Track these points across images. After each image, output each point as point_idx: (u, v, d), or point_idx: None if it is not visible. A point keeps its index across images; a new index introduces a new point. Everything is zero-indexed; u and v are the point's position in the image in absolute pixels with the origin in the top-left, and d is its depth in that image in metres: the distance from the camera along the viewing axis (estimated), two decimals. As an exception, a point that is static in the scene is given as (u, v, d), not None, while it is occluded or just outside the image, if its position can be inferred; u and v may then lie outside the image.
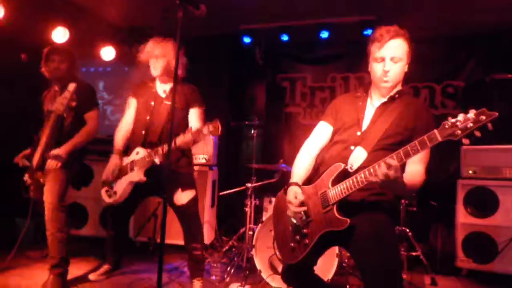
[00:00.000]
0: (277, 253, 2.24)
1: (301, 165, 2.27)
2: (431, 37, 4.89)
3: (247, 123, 4.14)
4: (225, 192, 4.39)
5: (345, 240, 2.02)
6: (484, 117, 1.57)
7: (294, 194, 2.09)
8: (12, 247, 3.48)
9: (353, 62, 5.52)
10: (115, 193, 3.10)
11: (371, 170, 1.84)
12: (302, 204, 2.06)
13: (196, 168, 4.59)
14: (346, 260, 3.44)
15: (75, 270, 3.50)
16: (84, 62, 3.82)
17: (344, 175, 1.99)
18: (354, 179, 1.91)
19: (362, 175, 1.87)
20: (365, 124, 2.13)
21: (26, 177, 3.28)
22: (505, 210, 3.80)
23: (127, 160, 3.11)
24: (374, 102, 2.18)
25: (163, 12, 4.59)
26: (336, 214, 1.95)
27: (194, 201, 3.18)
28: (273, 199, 3.85)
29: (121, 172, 3.09)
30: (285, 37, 5.22)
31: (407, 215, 3.87)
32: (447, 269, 3.99)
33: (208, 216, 4.56)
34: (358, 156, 2.03)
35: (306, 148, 2.34)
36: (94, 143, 3.51)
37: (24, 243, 3.62)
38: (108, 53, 5.38)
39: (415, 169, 1.98)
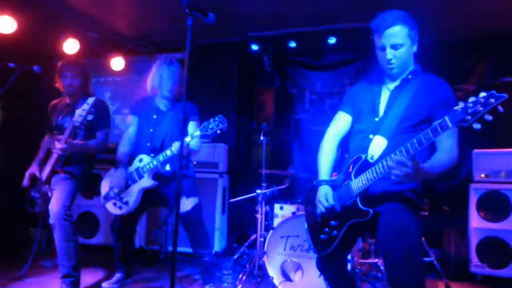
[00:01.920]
0: (311, 243, 2.30)
1: (326, 159, 2.30)
2: (440, 41, 4.87)
3: (256, 126, 4.14)
4: (235, 199, 4.39)
5: (371, 229, 2.05)
6: (493, 100, 1.54)
7: (324, 195, 2.14)
8: (26, 257, 3.52)
9: (362, 67, 5.50)
10: (126, 203, 3.11)
11: (385, 163, 1.86)
12: (332, 206, 2.10)
13: (206, 175, 4.62)
14: (358, 267, 3.42)
15: (88, 278, 3.52)
16: (94, 72, 3.88)
17: (366, 165, 2.01)
18: (374, 170, 1.93)
19: (381, 166, 1.90)
20: (382, 109, 2.14)
21: (34, 191, 3.32)
22: (519, 214, 3.75)
23: (130, 168, 3.15)
24: (388, 85, 2.18)
25: (172, 21, 4.65)
26: (360, 205, 2.00)
27: (198, 208, 3.20)
28: (284, 206, 3.86)
29: (127, 181, 3.12)
30: (292, 44, 5.23)
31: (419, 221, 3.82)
32: (461, 275, 3.93)
33: (219, 223, 4.57)
34: (378, 145, 2.05)
35: (327, 140, 2.36)
36: (105, 152, 3.54)
37: (37, 253, 3.67)
38: (117, 63, 5.45)
39: (444, 145, 1.96)
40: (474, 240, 3.91)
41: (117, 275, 3.46)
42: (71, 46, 4.94)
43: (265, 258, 3.44)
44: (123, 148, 3.28)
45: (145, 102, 3.37)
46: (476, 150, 4.06)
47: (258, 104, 6.00)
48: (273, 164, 5.12)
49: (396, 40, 2.03)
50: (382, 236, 2.00)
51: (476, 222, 3.92)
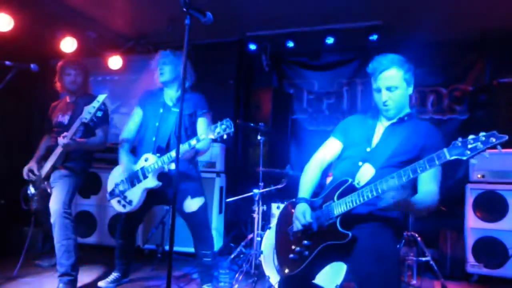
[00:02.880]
0: (275, 263, 2.23)
1: (309, 179, 2.29)
2: (437, 41, 4.89)
3: (253, 126, 4.12)
4: (232, 199, 4.39)
5: (345, 254, 2.02)
6: (494, 139, 1.58)
7: (303, 212, 2.09)
8: (20, 256, 3.51)
9: (359, 68, 5.51)
10: (130, 202, 3.10)
11: (376, 187, 1.86)
12: (309, 224, 2.06)
13: (203, 174, 4.61)
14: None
15: (84, 277, 3.51)
16: (92, 71, 3.88)
17: (351, 189, 2.00)
18: (361, 194, 1.92)
19: (368, 190, 1.89)
20: (375, 141, 2.16)
21: (30, 188, 3.31)
22: (515, 214, 3.76)
23: (136, 167, 3.13)
24: (383, 122, 2.22)
25: (170, 20, 4.64)
26: (339, 227, 1.97)
27: (203, 208, 3.20)
28: (281, 205, 3.85)
29: (132, 180, 3.11)
30: (290, 44, 5.23)
31: (416, 220, 3.84)
32: (457, 274, 3.95)
33: (215, 223, 4.57)
34: (366, 172, 2.06)
35: (314, 162, 2.35)
36: (103, 152, 3.55)
37: (33, 252, 3.65)
38: (115, 62, 5.43)
39: (426, 189, 1.98)
40: (470, 240, 3.92)
41: (114, 274, 3.45)
42: (68, 44, 4.92)
43: (261, 258, 3.44)
44: (127, 134, 3.28)
45: (152, 95, 3.33)
46: (472, 151, 4.07)
47: (256, 104, 5.99)
48: (270, 163, 5.12)
49: (392, 83, 2.08)
50: (358, 261, 1.98)
51: (472, 222, 3.94)
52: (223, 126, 2.69)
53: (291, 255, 2.11)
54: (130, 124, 3.34)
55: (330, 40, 5.00)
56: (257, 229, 3.85)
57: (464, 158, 1.62)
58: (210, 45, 5.49)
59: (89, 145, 3.30)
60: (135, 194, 3.09)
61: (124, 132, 3.32)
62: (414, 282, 3.75)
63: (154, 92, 3.34)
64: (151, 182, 3.04)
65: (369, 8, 4.38)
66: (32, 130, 5.20)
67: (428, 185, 1.98)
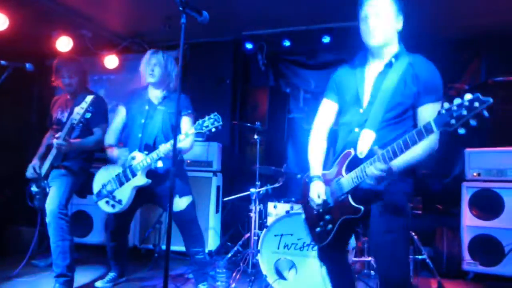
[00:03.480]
0: (309, 234, 2.33)
1: (316, 153, 2.29)
2: (433, 40, 4.89)
3: (250, 125, 4.13)
4: (229, 198, 4.39)
5: (364, 224, 2.14)
6: (477, 104, 1.48)
7: (317, 192, 2.14)
8: (17, 255, 3.49)
9: (355, 67, 5.53)
10: (119, 201, 3.09)
11: (364, 171, 1.89)
12: (324, 202, 2.12)
13: (200, 174, 4.61)
14: (352, 265, 3.43)
15: (81, 278, 3.51)
16: (88, 70, 3.88)
17: (356, 162, 2.00)
18: (362, 169, 1.93)
19: (365, 168, 1.90)
20: (366, 99, 2.10)
21: (33, 186, 3.30)
22: (510, 212, 3.78)
23: (123, 166, 3.13)
24: (372, 69, 2.13)
25: (166, 19, 4.63)
26: (351, 202, 2.01)
27: (192, 206, 3.19)
28: (278, 204, 3.87)
29: (121, 179, 3.10)
30: (287, 43, 5.23)
31: (412, 219, 3.84)
32: (453, 272, 3.96)
33: (212, 222, 4.56)
34: (366, 138, 2.01)
35: (316, 133, 2.35)
36: (101, 151, 3.53)
37: (30, 252, 3.63)
38: (111, 61, 5.42)
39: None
40: (466, 238, 3.94)
41: (111, 274, 3.45)
42: (64, 43, 4.90)
43: (258, 257, 3.45)
44: (109, 141, 3.26)
45: (136, 93, 3.33)
46: (468, 149, 4.09)
47: (252, 103, 5.99)
48: (267, 162, 5.13)
49: (380, 9, 2.01)
50: (372, 230, 2.04)
51: (468, 220, 3.95)
52: (211, 120, 2.76)
53: (317, 229, 2.19)
54: (114, 123, 3.33)
55: (326, 39, 5.00)
56: (254, 228, 3.85)
57: (451, 129, 1.54)
58: (206, 44, 5.48)
59: (84, 145, 3.28)
60: (125, 193, 3.07)
61: (108, 132, 3.31)
62: (410, 280, 3.76)
63: (138, 90, 3.34)
64: (141, 180, 3.03)
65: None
66: (27, 129, 5.18)
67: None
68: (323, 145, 2.32)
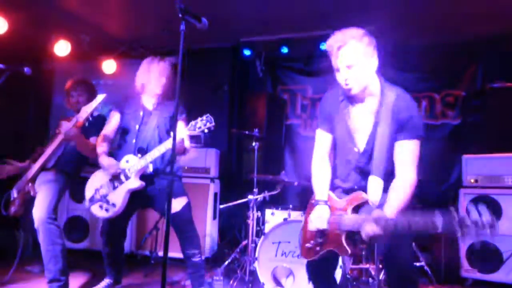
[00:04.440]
0: (300, 246, 2.37)
1: (321, 177, 2.27)
2: (430, 46, 4.92)
3: (247, 133, 4.12)
4: (226, 205, 4.38)
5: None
6: (487, 227, 1.64)
7: (319, 217, 2.12)
8: (11, 261, 3.46)
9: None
10: (113, 205, 3.05)
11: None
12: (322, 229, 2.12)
13: (198, 180, 4.60)
14: (349, 272, 3.41)
15: (76, 284, 3.48)
16: (86, 75, 3.87)
17: (366, 206, 2.05)
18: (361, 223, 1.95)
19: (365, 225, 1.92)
20: (360, 139, 2.15)
21: (14, 192, 3.27)
22: (508, 218, 3.77)
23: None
24: (356, 107, 2.17)
25: (165, 25, 4.63)
26: (343, 241, 2.03)
27: (187, 207, 3.17)
28: (275, 211, 3.86)
29: (114, 183, 3.08)
30: (285, 50, 5.25)
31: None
32: (451, 279, 3.95)
33: (210, 229, 4.54)
34: (374, 186, 2.06)
35: (317, 162, 2.33)
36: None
37: (23, 257, 3.60)
38: (109, 66, 5.41)
39: (399, 172, 2.04)
40: (464, 245, 3.93)
41: (106, 281, 3.41)
42: (62, 48, 4.91)
43: (256, 264, 3.43)
44: (101, 149, 3.20)
45: (131, 100, 3.31)
46: (465, 155, 4.10)
47: (250, 109, 6.00)
48: (264, 169, 5.13)
49: (350, 60, 2.01)
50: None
51: (466, 227, 3.94)
52: (204, 121, 2.77)
53: (307, 244, 2.19)
54: (107, 129, 3.29)
55: (324, 46, 5.01)
56: (252, 236, 3.83)
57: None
58: (205, 50, 5.49)
59: (84, 142, 3.25)
60: (118, 196, 3.04)
61: (101, 139, 3.26)
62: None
63: (131, 96, 3.32)
64: (134, 182, 3.01)
65: (360, 13, 4.41)
66: (25, 133, 5.15)
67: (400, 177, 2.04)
68: (327, 169, 2.30)
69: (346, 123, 2.18)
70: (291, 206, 3.91)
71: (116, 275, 3.44)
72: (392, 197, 1.97)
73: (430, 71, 5.09)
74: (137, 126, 3.17)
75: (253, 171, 4.04)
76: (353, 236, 2.03)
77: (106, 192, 3.07)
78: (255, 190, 3.94)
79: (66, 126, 3.07)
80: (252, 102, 6.02)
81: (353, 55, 2.00)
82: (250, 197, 3.91)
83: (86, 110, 2.99)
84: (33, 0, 4.22)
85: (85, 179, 4.09)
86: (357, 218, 2.00)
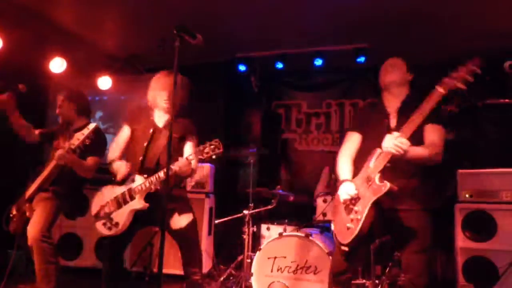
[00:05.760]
0: (339, 240, 2.49)
1: (346, 168, 2.62)
2: (423, 63, 4.95)
3: (244, 149, 4.14)
4: (222, 220, 4.35)
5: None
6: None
7: (346, 190, 2.45)
8: (2, 279, 3.41)
9: (347, 89, 5.60)
10: (116, 224, 3.03)
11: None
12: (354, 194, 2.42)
13: (193, 195, 4.57)
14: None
15: (69, 302, 3.42)
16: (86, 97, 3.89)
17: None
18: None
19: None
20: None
21: (13, 209, 3.25)
22: (504, 233, 3.77)
23: (123, 188, 3.08)
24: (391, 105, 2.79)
25: (160, 41, 4.66)
26: (377, 181, 2.27)
27: (193, 224, 3.14)
28: (271, 226, 3.84)
29: (119, 201, 3.06)
30: (280, 65, 5.29)
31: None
32: (448, 294, 3.94)
33: (205, 244, 4.50)
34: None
35: (344, 156, 2.68)
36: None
37: (16, 276, 3.55)
38: (105, 82, 5.42)
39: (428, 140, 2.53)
40: (460, 260, 3.91)
41: (101, 298, 3.37)
42: (57, 65, 4.91)
43: (252, 280, 3.40)
44: (112, 156, 3.17)
45: (142, 113, 3.24)
46: (461, 170, 4.11)
47: (245, 124, 6.02)
48: (260, 184, 5.13)
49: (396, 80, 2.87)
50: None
51: (461, 241, 3.94)
52: (212, 146, 2.71)
53: (348, 224, 2.37)
54: (118, 140, 3.27)
55: (318, 62, 5.07)
56: (247, 251, 3.81)
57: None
58: (200, 65, 5.51)
59: (81, 165, 3.24)
60: (122, 216, 3.02)
61: (111, 151, 3.26)
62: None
63: (145, 110, 3.26)
64: (139, 203, 2.98)
65: (355, 31, 4.47)
66: (17, 151, 5.12)
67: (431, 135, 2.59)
68: (350, 163, 2.63)
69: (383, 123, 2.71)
70: (286, 220, 3.90)
71: (111, 293, 3.39)
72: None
73: (423, 87, 5.13)
74: (145, 144, 3.13)
75: (249, 186, 4.04)
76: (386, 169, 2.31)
77: (110, 210, 3.05)
78: (251, 205, 3.94)
79: (59, 152, 3.03)
80: (247, 117, 6.04)
81: (399, 77, 3.03)
82: (246, 212, 3.90)
83: (78, 138, 2.98)
84: (28, 17, 4.25)
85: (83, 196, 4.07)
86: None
